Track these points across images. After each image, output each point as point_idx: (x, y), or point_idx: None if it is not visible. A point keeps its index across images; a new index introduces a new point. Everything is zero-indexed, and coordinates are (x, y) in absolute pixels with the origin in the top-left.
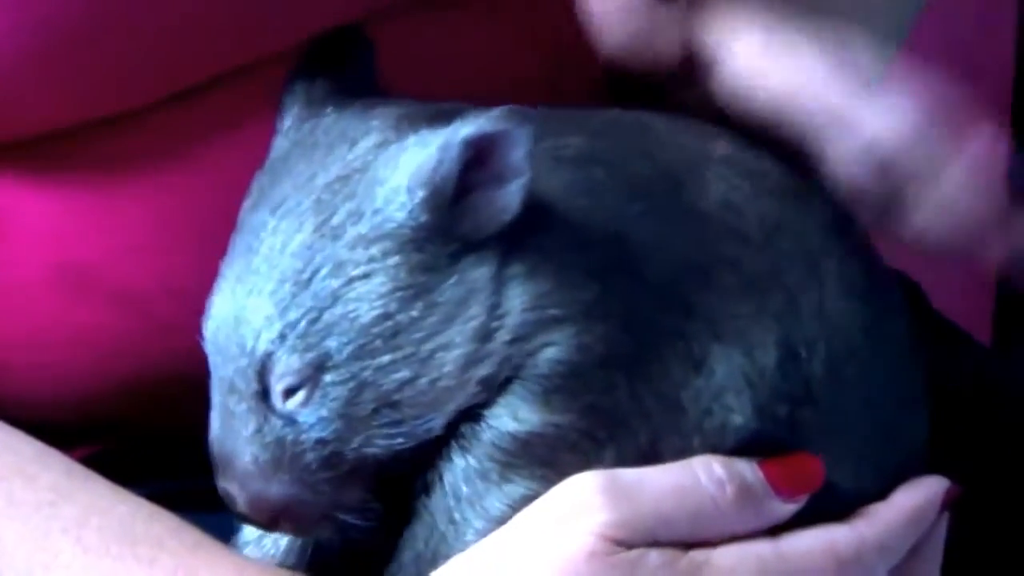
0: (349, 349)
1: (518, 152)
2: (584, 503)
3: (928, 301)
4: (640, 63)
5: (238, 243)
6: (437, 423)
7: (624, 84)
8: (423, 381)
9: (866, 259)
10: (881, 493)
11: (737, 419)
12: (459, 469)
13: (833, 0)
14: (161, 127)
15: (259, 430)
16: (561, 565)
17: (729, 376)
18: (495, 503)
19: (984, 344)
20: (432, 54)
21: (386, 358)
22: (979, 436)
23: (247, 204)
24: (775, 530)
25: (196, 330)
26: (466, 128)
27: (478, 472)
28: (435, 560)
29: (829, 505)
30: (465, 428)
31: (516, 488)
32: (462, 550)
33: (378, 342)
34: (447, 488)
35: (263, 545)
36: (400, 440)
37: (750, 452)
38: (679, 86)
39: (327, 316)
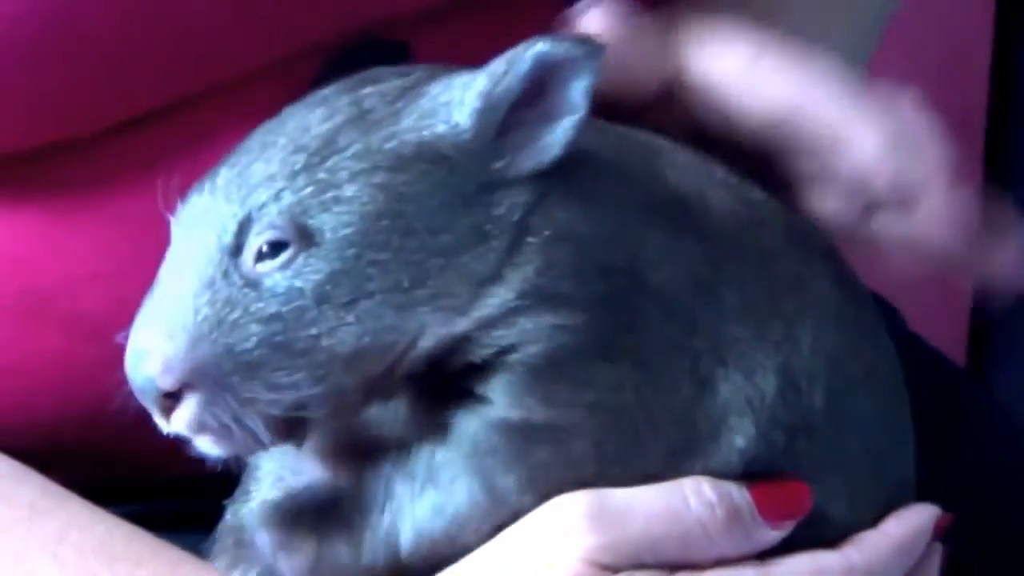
0: (348, 232)
1: (581, 84)
2: (570, 526)
3: (904, 323)
4: (620, 89)
5: (246, 139)
6: (422, 340)
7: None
8: (421, 293)
9: (855, 288)
10: (873, 522)
11: (740, 441)
12: (436, 458)
13: (794, 18)
14: (121, 152)
15: (212, 284)
16: None
17: (732, 397)
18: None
19: (959, 365)
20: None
21: (384, 255)
22: (954, 458)
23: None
24: (764, 557)
25: None
26: (538, 45)
27: (452, 462)
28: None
29: (822, 535)
30: (453, 415)
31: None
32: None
33: (381, 236)
34: (418, 475)
35: None
36: (366, 341)
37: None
38: (656, 111)
39: (335, 192)
